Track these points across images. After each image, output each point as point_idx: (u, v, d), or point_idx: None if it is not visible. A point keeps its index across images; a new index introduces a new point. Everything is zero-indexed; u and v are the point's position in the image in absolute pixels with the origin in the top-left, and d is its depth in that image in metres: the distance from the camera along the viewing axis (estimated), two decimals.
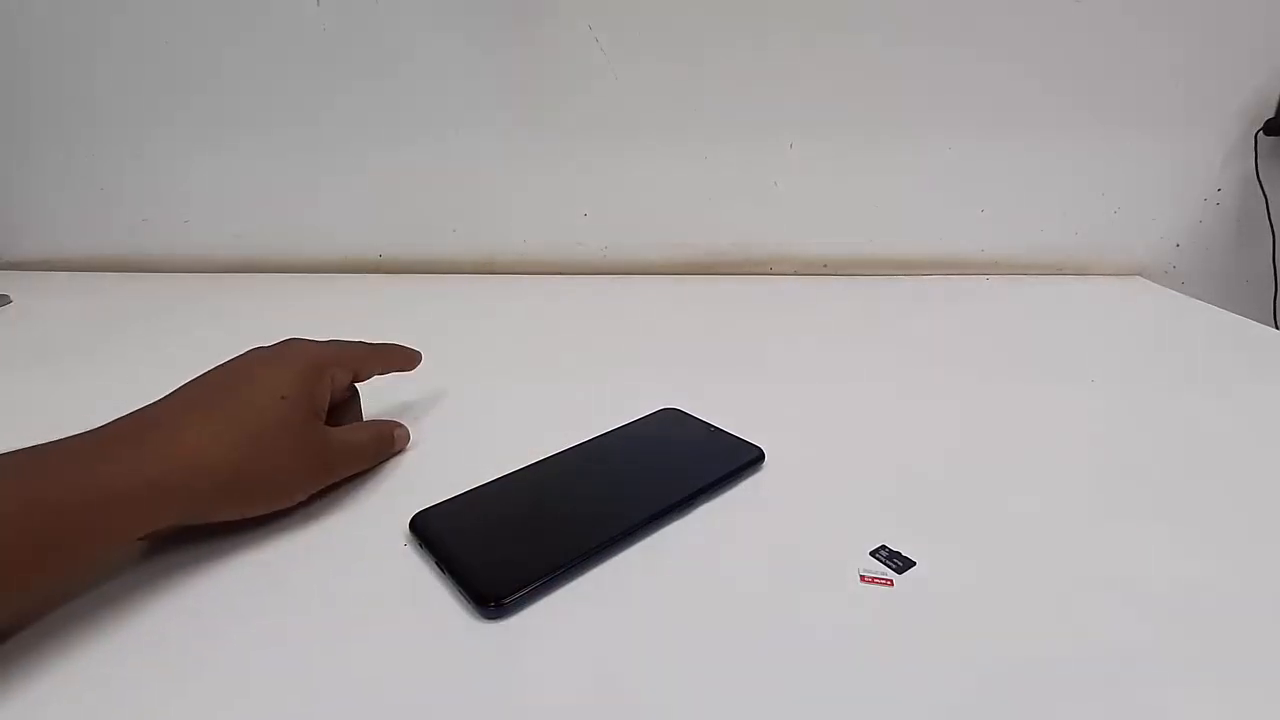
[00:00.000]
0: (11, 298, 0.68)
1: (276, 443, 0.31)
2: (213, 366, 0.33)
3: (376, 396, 0.43)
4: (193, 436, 0.29)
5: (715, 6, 0.68)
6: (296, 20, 0.70)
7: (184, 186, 0.77)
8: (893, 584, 0.29)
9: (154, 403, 0.31)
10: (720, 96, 0.72)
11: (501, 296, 0.70)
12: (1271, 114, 0.72)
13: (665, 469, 0.37)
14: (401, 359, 0.41)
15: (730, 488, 0.36)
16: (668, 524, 0.33)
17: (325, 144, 0.75)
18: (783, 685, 0.24)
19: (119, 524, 0.26)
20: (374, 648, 0.26)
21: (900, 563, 0.30)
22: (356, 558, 0.31)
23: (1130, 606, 0.28)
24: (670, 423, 0.41)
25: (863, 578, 0.29)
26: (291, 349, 0.35)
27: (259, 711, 0.23)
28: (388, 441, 0.38)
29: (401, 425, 0.40)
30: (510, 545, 0.30)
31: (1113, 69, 0.70)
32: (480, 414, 0.44)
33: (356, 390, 0.40)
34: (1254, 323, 0.61)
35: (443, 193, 0.77)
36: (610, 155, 0.74)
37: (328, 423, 0.35)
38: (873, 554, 0.31)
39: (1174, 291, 0.72)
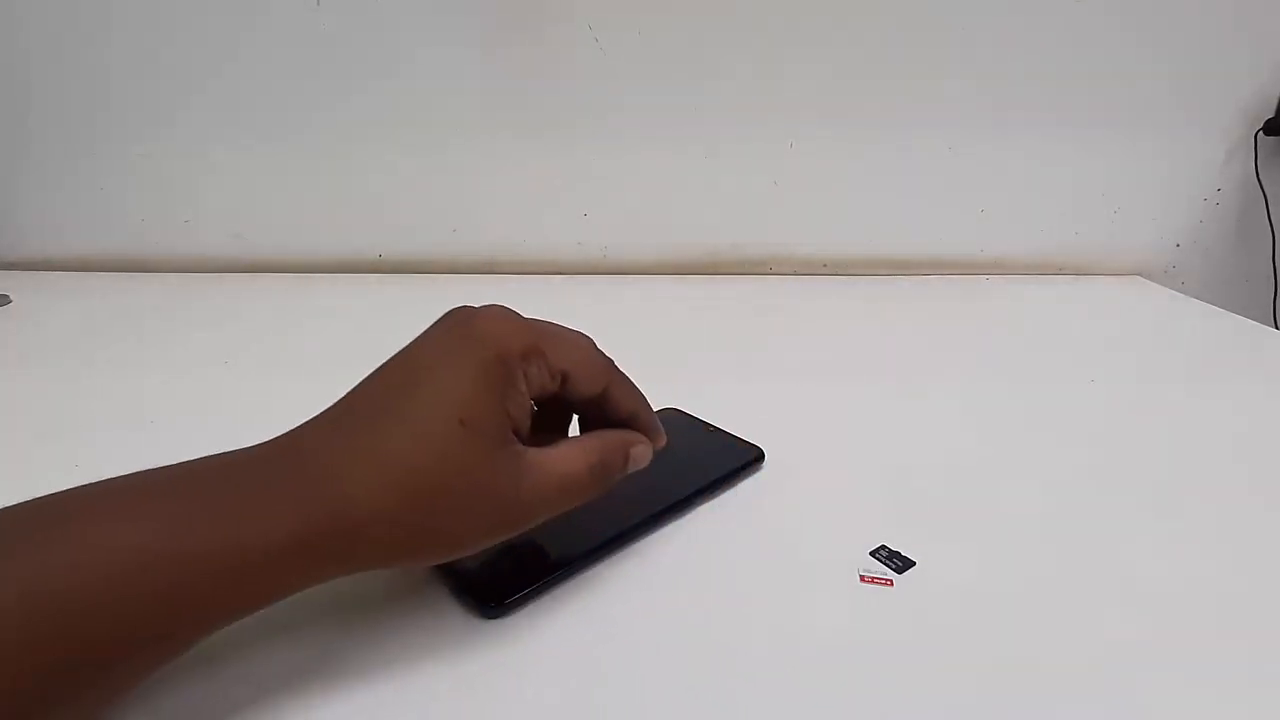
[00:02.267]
0: (11, 298, 0.68)
1: (450, 483, 0.23)
2: (392, 357, 0.26)
3: None
4: (344, 476, 0.22)
5: (715, 7, 0.68)
6: (296, 20, 0.70)
7: (184, 186, 0.77)
8: (893, 584, 0.29)
9: (305, 424, 0.25)
10: (720, 96, 0.72)
11: (501, 297, 0.69)
12: (1271, 114, 0.71)
13: (665, 469, 0.36)
14: (649, 422, 0.30)
15: (730, 488, 0.36)
16: (667, 524, 0.33)
17: (325, 144, 0.75)
18: (782, 685, 0.24)
19: (254, 587, 0.22)
20: (374, 647, 0.26)
21: (900, 563, 0.30)
22: None
23: (1130, 606, 0.28)
24: (670, 423, 0.41)
25: (863, 578, 0.29)
26: (478, 330, 0.25)
27: (257, 709, 0.23)
28: (616, 466, 0.28)
29: (642, 439, 0.29)
30: (510, 545, 0.30)
31: (1113, 69, 0.70)
32: None
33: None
34: (1254, 323, 0.61)
35: (443, 193, 0.76)
36: (610, 155, 0.74)
37: (530, 433, 0.26)
38: (873, 554, 0.31)
39: (1174, 291, 0.72)
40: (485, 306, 0.27)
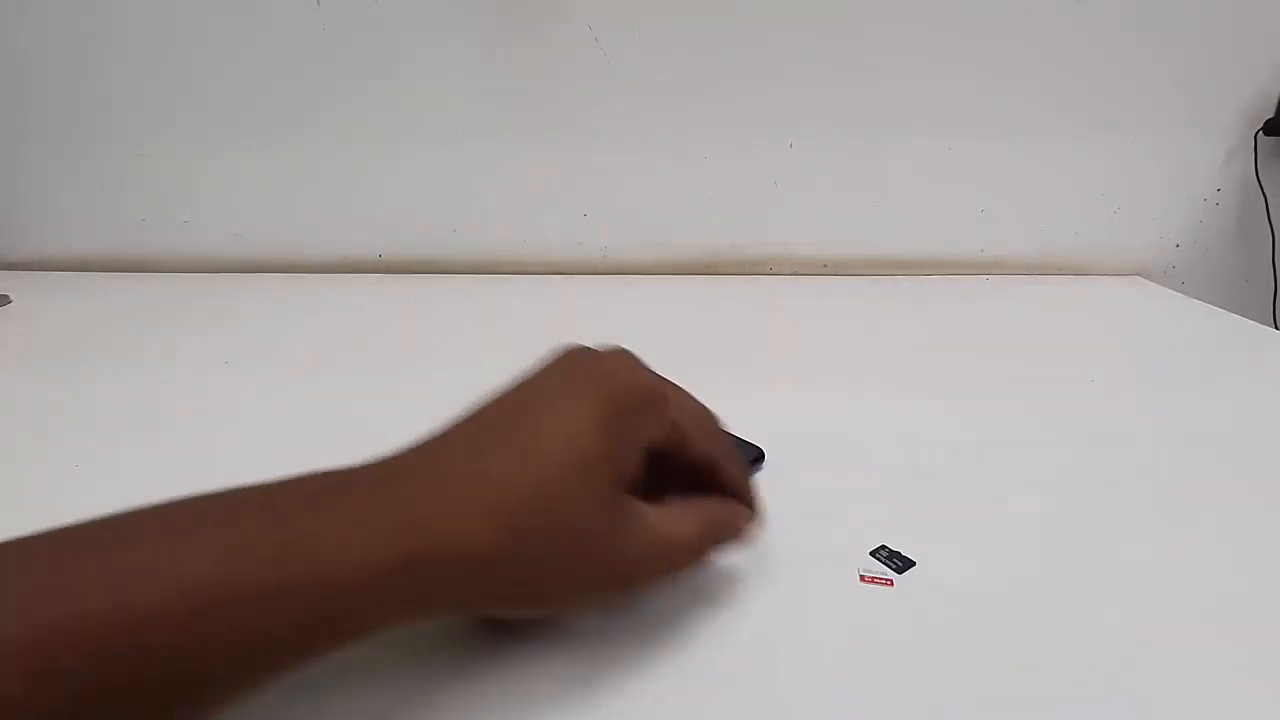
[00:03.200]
0: (11, 298, 0.68)
1: (558, 526, 0.21)
2: (507, 387, 0.25)
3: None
4: (445, 510, 0.21)
5: (716, 7, 0.68)
6: (296, 20, 0.70)
7: (184, 186, 0.77)
8: (893, 584, 0.29)
9: (405, 451, 0.23)
10: (720, 96, 0.72)
11: (501, 297, 0.70)
12: (1271, 114, 0.71)
13: None
14: (751, 498, 0.28)
15: None
16: None
17: (325, 144, 0.75)
18: (782, 685, 0.24)
19: (333, 628, 0.20)
20: (373, 648, 0.26)
21: (900, 563, 0.30)
22: None
23: (1130, 606, 0.28)
24: None
25: (863, 578, 0.29)
26: (602, 370, 0.24)
27: (257, 711, 0.23)
28: (725, 535, 0.26)
29: (750, 514, 0.27)
30: None
31: (1113, 69, 0.70)
32: None
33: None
34: (1254, 323, 0.61)
35: (443, 193, 0.76)
36: (610, 155, 0.74)
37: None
38: (873, 554, 0.31)
39: (1174, 291, 0.72)
40: (607, 348, 0.26)
